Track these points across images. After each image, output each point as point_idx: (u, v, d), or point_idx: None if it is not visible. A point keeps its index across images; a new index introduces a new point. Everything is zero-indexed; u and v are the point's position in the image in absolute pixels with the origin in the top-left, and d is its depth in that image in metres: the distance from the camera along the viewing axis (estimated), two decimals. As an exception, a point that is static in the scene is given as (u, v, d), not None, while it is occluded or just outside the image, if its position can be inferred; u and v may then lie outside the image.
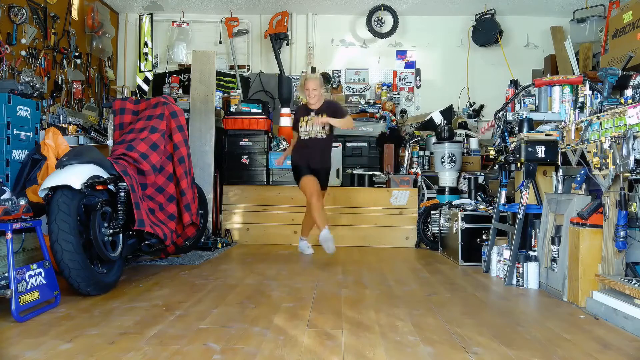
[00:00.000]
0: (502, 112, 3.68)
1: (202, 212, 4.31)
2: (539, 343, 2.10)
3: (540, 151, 3.32)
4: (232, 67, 6.48)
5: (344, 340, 2.07)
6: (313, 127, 4.19)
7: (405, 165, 5.51)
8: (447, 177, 5.26)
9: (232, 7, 6.42)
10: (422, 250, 4.90)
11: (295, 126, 4.35)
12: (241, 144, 5.38)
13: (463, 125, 5.93)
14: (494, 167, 5.15)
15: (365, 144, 5.53)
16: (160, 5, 6.42)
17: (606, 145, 2.44)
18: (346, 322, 2.34)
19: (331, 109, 4.21)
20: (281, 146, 5.47)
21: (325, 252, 4.06)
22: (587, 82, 3.04)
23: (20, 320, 2.24)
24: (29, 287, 2.34)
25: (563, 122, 3.15)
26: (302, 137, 4.23)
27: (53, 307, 2.48)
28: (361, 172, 5.39)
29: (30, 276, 2.38)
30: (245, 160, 5.37)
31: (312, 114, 4.21)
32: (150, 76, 6.40)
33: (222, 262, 3.99)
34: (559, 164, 3.13)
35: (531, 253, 3.27)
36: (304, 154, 4.23)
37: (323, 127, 4.17)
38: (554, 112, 3.58)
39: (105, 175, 2.95)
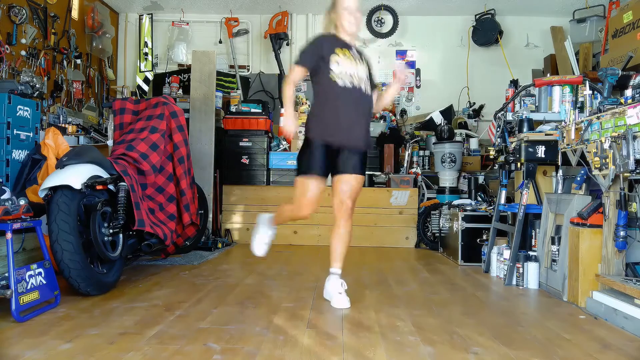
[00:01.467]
0: (502, 112, 3.68)
1: (202, 212, 4.31)
2: (539, 343, 2.09)
3: (540, 151, 3.33)
4: (232, 67, 6.47)
5: (344, 340, 2.07)
6: (358, 69, 2.61)
7: (405, 165, 5.51)
8: (447, 177, 5.26)
9: (232, 7, 6.42)
10: (422, 250, 4.90)
11: (325, 58, 2.58)
12: (241, 144, 5.38)
13: (463, 125, 5.93)
14: (494, 167, 5.15)
15: (365, 144, 5.50)
16: (160, 5, 6.42)
17: (606, 145, 2.44)
18: (346, 322, 2.33)
19: (369, 60, 2.76)
20: (281, 146, 5.46)
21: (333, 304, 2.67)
22: (587, 82, 3.04)
23: (20, 320, 2.24)
24: (29, 287, 2.34)
25: (563, 122, 3.15)
26: (339, 83, 2.56)
27: (53, 307, 2.48)
28: (361, 172, 5.37)
29: (30, 276, 2.38)
30: (245, 160, 5.37)
31: (355, 49, 2.68)
32: (150, 76, 6.40)
33: (222, 262, 3.98)
34: (559, 164, 3.13)
35: (531, 253, 3.27)
36: (334, 119, 2.57)
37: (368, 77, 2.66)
38: (554, 112, 3.59)
39: (105, 175, 2.95)
